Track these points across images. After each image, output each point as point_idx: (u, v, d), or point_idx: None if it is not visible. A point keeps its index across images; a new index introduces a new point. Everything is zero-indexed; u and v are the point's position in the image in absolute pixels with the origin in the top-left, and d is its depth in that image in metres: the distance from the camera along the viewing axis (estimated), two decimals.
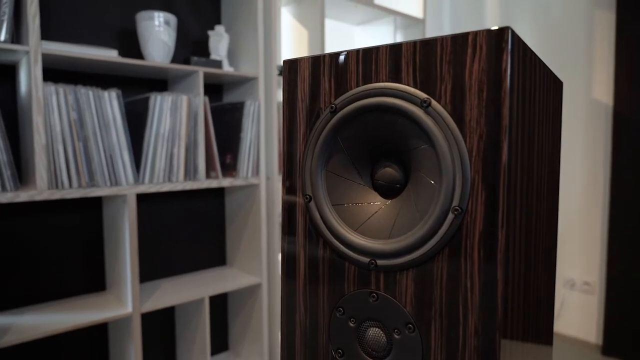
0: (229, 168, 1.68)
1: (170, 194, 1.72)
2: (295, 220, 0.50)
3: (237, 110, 1.67)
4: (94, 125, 1.34)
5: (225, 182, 1.61)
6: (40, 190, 1.24)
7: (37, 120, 1.23)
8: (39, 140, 1.24)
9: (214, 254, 1.87)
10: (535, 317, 0.55)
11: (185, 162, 1.52)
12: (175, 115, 1.49)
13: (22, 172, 1.39)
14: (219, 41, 1.69)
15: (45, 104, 1.25)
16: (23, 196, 1.21)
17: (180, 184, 1.49)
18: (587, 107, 2.11)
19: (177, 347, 1.77)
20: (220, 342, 1.91)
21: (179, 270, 1.77)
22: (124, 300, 1.44)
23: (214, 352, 1.89)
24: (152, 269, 1.69)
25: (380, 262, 0.44)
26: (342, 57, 0.46)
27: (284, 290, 0.51)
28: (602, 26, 2.04)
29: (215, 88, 1.83)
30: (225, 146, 1.70)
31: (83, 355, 1.54)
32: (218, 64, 1.60)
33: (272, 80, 1.70)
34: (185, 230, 1.78)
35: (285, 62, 0.51)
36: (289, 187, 0.50)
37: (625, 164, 1.97)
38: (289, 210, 0.50)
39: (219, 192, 1.87)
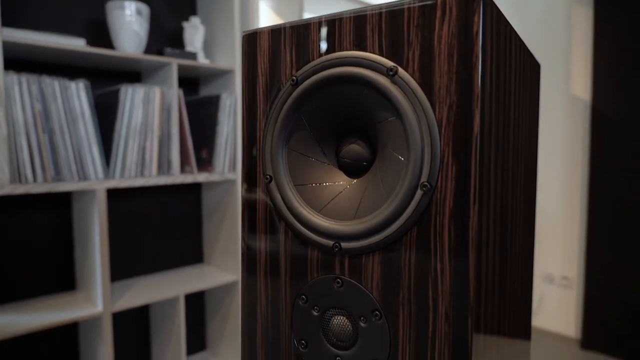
0: (205, 163, 1.64)
1: (143, 189, 1.67)
2: (256, 206, 0.46)
3: (212, 103, 1.62)
4: (60, 118, 1.28)
5: (201, 178, 1.57)
6: (1, 185, 1.18)
7: None
8: (0, 133, 1.18)
9: (190, 251, 1.82)
10: (512, 308, 0.53)
11: (158, 156, 1.47)
12: (147, 107, 1.43)
13: None
14: (194, 33, 1.64)
15: (6, 95, 1.19)
16: None
17: (153, 179, 1.44)
18: (565, 103, 2.11)
19: (152, 348, 1.72)
20: (197, 341, 1.86)
21: (154, 268, 1.71)
22: (94, 299, 1.38)
23: (190, 351, 1.84)
24: (124, 267, 1.63)
25: (344, 244, 0.40)
26: (323, 30, 0.42)
27: (244, 283, 0.47)
28: (580, 22, 2.05)
29: (191, 82, 1.78)
30: (200, 141, 1.65)
31: (52, 357, 1.47)
32: (193, 55, 1.55)
33: None
34: (161, 227, 1.72)
35: (243, 35, 0.47)
36: (248, 172, 0.46)
37: (604, 159, 1.97)
38: (248, 197, 0.47)
39: (196, 188, 1.82)
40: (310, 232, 0.42)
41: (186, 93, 1.76)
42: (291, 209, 0.43)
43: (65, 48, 1.26)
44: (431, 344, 0.37)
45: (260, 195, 0.46)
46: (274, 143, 0.43)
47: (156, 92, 1.44)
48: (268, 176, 0.44)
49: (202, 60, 1.62)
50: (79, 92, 1.30)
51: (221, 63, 1.67)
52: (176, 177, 1.50)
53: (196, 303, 1.84)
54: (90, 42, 1.49)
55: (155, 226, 1.70)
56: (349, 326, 0.41)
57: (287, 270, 0.44)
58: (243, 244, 0.48)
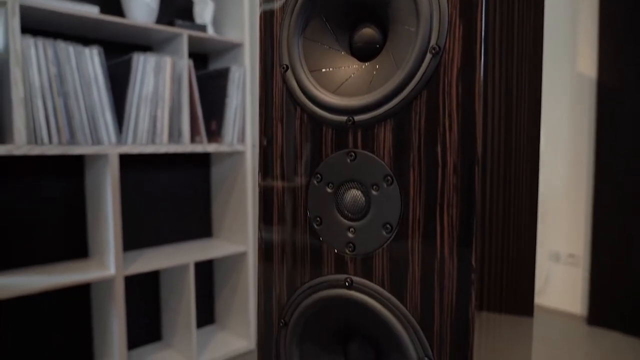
0: (214, 134, 1.67)
1: (154, 160, 1.70)
2: (273, 96, 0.49)
3: (222, 76, 1.65)
4: (74, 82, 1.31)
5: (210, 148, 1.59)
6: (18, 145, 1.21)
7: (15, 73, 1.21)
8: (17, 93, 1.21)
9: (199, 225, 1.85)
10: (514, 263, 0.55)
11: (169, 125, 1.50)
12: (158, 77, 1.47)
13: (0, 129, 1.35)
14: (203, 8, 1.68)
15: (23, 57, 1.22)
16: (1, 150, 1.19)
17: (164, 147, 1.47)
18: (571, 81, 2.13)
19: (162, 317, 1.74)
20: (206, 315, 1.88)
21: (163, 240, 1.74)
22: (107, 263, 1.41)
23: (199, 324, 1.86)
24: (135, 238, 1.66)
25: (357, 117, 0.43)
26: None
27: (260, 174, 0.50)
28: None
29: (201, 57, 1.81)
30: (210, 113, 1.68)
31: (66, 318, 1.50)
32: (203, 28, 1.58)
33: (258, 47, 1.69)
34: (171, 200, 1.75)
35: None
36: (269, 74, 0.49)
37: (610, 135, 1.98)
38: (264, 88, 0.49)
39: (205, 160, 1.85)
40: (325, 111, 0.44)
41: (196, 68, 1.79)
42: (306, 92, 0.45)
43: (79, 14, 1.29)
44: (440, 198, 0.39)
45: (278, 82, 0.48)
46: (290, 33, 0.46)
47: (167, 61, 1.47)
48: (285, 65, 0.47)
49: (211, 33, 1.65)
50: (92, 58, 1.34)
51: (230, 36, 1.70)
52: (186, 146, 1.53)
53: (205, 275, 1.86)
54: (103, 11, 1.52)
55: (165, 199, 1.73)
56: (362, 198, 0.43)
57: (302, 152, 0.47)
58: (261, 137, 0.50)
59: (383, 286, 0.42)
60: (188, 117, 1.53)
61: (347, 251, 0.44)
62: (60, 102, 1.29)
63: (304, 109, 0.46)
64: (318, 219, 0.46)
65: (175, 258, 1.55)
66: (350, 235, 0.44)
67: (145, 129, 1.45)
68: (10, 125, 1.24)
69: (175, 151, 1.49)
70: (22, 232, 1.41)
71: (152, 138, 1.46)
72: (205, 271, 1.86)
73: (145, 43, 1.64)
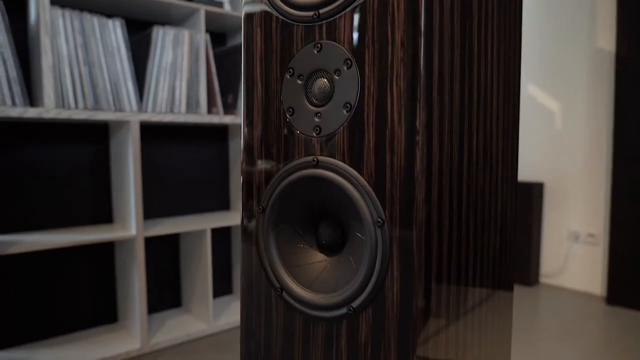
0: (231, 107, 1.74)
1: (174, 133, 1.78)
2: None
3: (238, 51, 1.73)
4: (98, 51, 1.41)
5: (227, 119, 1.67)
6: (47, 109, 1.31)
7: (45, 42, 1.31)
8: (46, 61, 1.32)
9: (217, 198, 1.92)
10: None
11: (187, 95, 1.58)
12: (177, 49, 1.55)
13: (32, 94, 1.46)
14: None
15: (52, 27, 1.32)
16: (32, 112, 1.29)
17: (182, 116, 1.55)
18: (589, 56, 2.11)
19: (181, 285, 1.83)
20: (224, 285, 1.96)
21: (182, 211, 1.82)
22: (129, 226, 1.50)
23: (218, 294, 1.94)
24: (155, 208, 1.75)
25: (322, 10, 0.47)
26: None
27: (245, 69, 0.55)
28: None
29: (219, 35, 1.90)
30: (227, 87, 1.75)
31: (93, 279, 1.60)
32: (219, 4, 1.66)
33: None
34: (190, 173, 1.83)
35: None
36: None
37: (628, 113, 1.95)
38: None
39: (223, 134, 1.93)
40: (294, 9, 0.49)
41: (214, 45, 1.87)
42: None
43: None
44: (390, 72, 0.43)
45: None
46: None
47: (185, 34, 1.55)
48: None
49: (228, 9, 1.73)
50: (115, 29, 1.43)
51: None
52: (203, 116, 1.60)
53: (222, 248, 1.94)
54: None
55: (185, 173, 1.82)
56: (327, 84, 0.48)
57: (276, 52, 0.52)
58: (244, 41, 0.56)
59: (344, 160, 0.47)
60: (205, 88, 1.61)
61: (314, 134, 0.49)
62: (86, 70, 1.38)
63: (278, 11, 0.51)
64: (290, 109, 0.51)
65: (193, 224, 1.63)
66: (317, 120, 0.49)
67: (165, 99, 1.53)
68: (41, 91, 1.34)
69: (193, 121, 1.57)
70: (52, 196, 1.51)
71: (171, 107, 1.55)
72: (223, 244, 1.94)
73: (164, 19, 1.73)
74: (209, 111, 1.68)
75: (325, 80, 0.48)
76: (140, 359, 1.47)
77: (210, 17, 1.68)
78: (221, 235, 1.93)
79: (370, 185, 0.45)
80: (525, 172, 2.34)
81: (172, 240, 1.81)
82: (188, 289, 1.78)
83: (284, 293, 0.51)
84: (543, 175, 2.31)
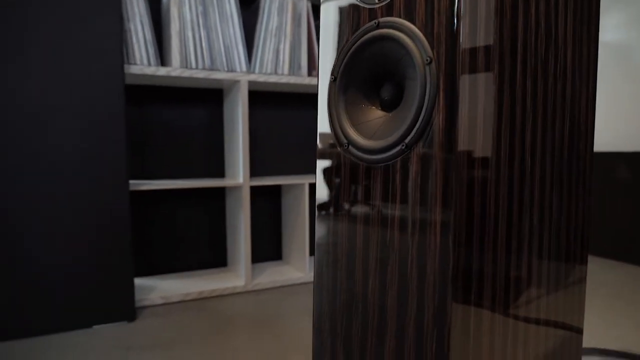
0: None
1: (277, 98, 1.95)
2: None
3: None
4: (215, 18, 1.61)
5: None
6: (174, 68, 1.54)
7: (173, 11, 1.54)
8: (174, 27, 1.54)
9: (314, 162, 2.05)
10: None
11: (290, 58, 1.73)
12: (282, 15, 1.70)
13: (162, 56, 1.70)
14: None
15: None
16: (162, 71, 1.52)
17: (285, 77, 1.70)
18: None
19: (282, 239, 1.98)
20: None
21: (284, 173, 1.98)
22: (237, 177, 1.68)
23: (313, 252, 2.06)
24: (261, 168, 1.93)
25: None
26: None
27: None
28: None
29: (318, 9, 2.02)
30: None
31: (207, 224, 1.82)
32: None
33: None
34: (292, 137, 1.98)
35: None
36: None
37: None
38: None
39: None
40: None
41: (316, 17, 2.00)
42: None
43: None
44: None
45: None
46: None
47: (289, 2, 1.70)
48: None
49: None
50: None
51: None
52: (304, 78, 1.74)
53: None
54: None
55: (287, 136, 1.97)
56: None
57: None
58: None
59: (400, 16, 0.53)
60: (306, 53, 1.74)
61: (376, 1, 0.56)
62: (205, 34, 1.59)
63: None
64: None
65: (292, 179, 1.77)
66: None
67: (270, 60, 1.69)
68: (169, 52, 1.57)
69: (295, 82, 1.71)
70: (176, 152, 1.76)
71: (275, 69, 1.70)
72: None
73: None
74: (309, 74, 1.81)
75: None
76: (245, 294, 1.64)
77: None
78: None
79: (420, 31, 0.51)
80: None
81: (275, 196, 1.97)
82: (288, 243, 1.93)
83: (349, 147, 0.59)
84: None
